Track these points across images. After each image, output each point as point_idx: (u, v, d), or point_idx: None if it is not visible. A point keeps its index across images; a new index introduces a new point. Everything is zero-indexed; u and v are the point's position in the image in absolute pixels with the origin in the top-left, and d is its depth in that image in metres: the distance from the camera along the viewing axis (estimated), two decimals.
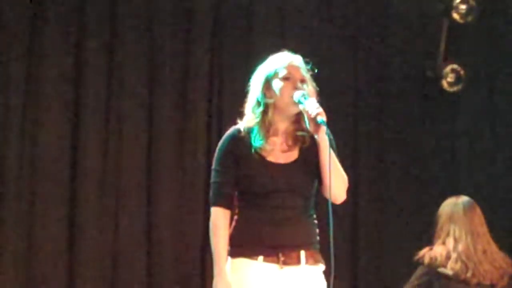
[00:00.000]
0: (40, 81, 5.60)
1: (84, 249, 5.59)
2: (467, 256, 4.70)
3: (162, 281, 5.72)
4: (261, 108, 3.60)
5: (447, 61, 6.19)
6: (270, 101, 3.59)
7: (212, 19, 5.94)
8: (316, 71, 3.69)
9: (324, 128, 3.47)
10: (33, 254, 5.49)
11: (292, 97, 3.54)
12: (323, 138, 3.50)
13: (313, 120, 3.48)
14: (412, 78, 6.28)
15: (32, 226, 5.51)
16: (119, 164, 5.72)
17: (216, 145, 3.70)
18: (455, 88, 6.21)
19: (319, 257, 3.61)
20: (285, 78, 3.59)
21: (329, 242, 3.41)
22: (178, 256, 5.75)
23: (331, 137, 3.58)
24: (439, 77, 6.18)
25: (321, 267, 3.63)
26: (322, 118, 3.45)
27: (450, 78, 6.20)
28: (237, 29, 6.00)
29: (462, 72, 6.21)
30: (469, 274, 4.69)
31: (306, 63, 3.67)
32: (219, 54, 5.95)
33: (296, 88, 3.56)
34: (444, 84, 6.19)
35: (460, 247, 4.72)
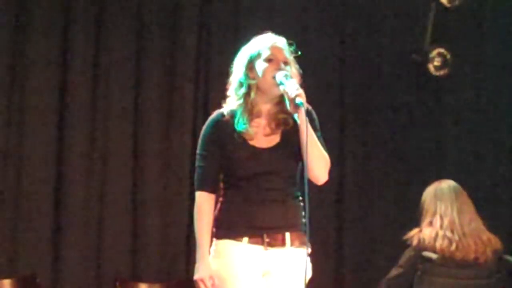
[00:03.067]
0: (27, 66, 5.59)
1: (69, 236, 5.58)
2: (451, 230, 4.73)
3: (148, 262, 5.72)
4: (243, 90, 3.60)
5: (433, 45, 6.18)
6: (253, 82, 3.59)
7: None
8: (299, 53, 3.68)
9: (302, 110, 3.45)
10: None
11: (274, 78, 3.54)
12: (302, 119, 3.48)
13: (293, 101, 3.46)
14: (398, 61, 6.27)
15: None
16: (106, 146, 5.71)
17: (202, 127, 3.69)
18: (441, 72, 6.20)
19: (304, 238, 3.59)
20: (268, 60, 3.58)
21: (309, 222, 3.46)
22: (164, 237, 5.75)
23: (315, 116, 3.58)
24: (426, 61, 6.17)
25: (307, 249, 3.58)
26: (301, 99, 3.44)
27: (437, 62, 6.19)
28: (224, 10, 5.97)
29: (448, 56, 6.20)
30: (453, 248, 4.70)
31: (290, 45, 3.66)
32: (206, 36, 5.93)
33: (278, 69, 3.55)
34: (431, 68, 6.19)
35: (446, 221, 4.75)
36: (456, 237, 4.71)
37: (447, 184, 4.90)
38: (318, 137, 3.57)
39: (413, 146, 6.29)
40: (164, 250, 5.75)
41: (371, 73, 6.27)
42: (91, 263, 5.63)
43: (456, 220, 4.75)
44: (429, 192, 4.91)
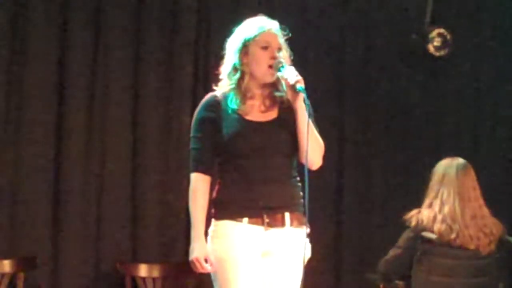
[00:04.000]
0: (25, 58, 5.55)
1: (69, 218, 5.57)
2: (452, 218, 4.71)
3: (148, 242, 5.72)
4: (237, 75, 3.62)
5: (433, 25, 6.16)
6: (247, 68, 3.61)
7: None
8: (290, 35, 3.69)
9: (302, 95, 3.49)
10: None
11: (269, 66, 3.57)
12: (301, 105, 3.53)
13: (292, 87, 3.50)
14: (398, 42, 6.25)
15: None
16: (104, 129, 5.70)
17: None
18: (441, 52, 6.19)
19: (303, 219, 3.61)
20: (263, 47, 3.60)
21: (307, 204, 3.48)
22: (163, 218, 5.75)
23: (308, 102, 3.57)
24: (426, 41, 6.15)
25: (306, 229, 3.60)
26: (301, 85, 3.48)
27: (437, 42, 6.17)
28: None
29: (448, 36, 6.18)
30: (453, 236, 4.70)
31: (282, 29, 3.67)
32: (205, 16, 5.90)
33: (273, 57, 3.57)
34: (431, 48, 6.17)
35: (446, 209, 4.73)
36: (457, 227, 4.70)
37: (456, 167, 4.82)
38: (312, 121, 3.58)
39: (413, 127, 6.29)
40: (163, 231, 5.75)
41: (370, 55, 6.25)
42: (91, 244, 5.62)
43: (458, 211, 4.71)
44: (438, 172, 4.85)
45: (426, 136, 6.29)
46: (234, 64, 3.63)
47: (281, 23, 3.70)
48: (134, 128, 5.76)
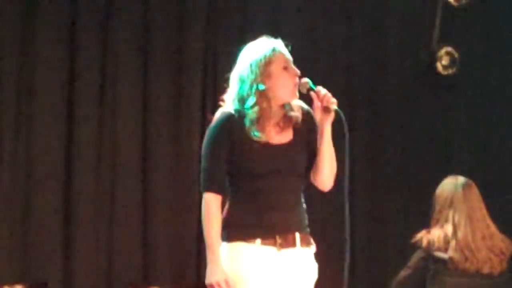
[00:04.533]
0: (34, 64, 5.58)
1: (80, 242, 5.58)
2: (465, 244, 4.68)
3: (159, 265, 5.71)
4: (258, 98, 3.56)
5: (441, 43, 6.16)
6: (269, 91, 3.57)
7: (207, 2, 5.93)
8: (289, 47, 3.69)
9: (332, 117, 3.53)
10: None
11: (295, 85, 3.57)
12: (329, 128, 3.55)
13: (326, 108, 3.52)
14: (406, 61, 6.25)
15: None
16: (114, 151, 5.71)
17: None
18: (449, 71, 6.19)
19: (310, 239, 3.64)
20: (284, 68, 3.58)
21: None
22: (174, 240, 5.75)
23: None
24: (434, 60, 6.16)
25: (313, 249, 3.65)
26: (335, 106, 3.52)
27: (445, 61, 6.18)
28: (231, 11, 5.98)
29: (456, 55, 6.19)
30: (467, 264, 4.68)
31: (286, 46, 3.67)
32: (213, 37, 5.92)
33: (297, 76, 3.58)
34: (439, 67, 6.18)
35: (460, 234, 4.70)
36: (470, 253, 4.68)
37: (461, 188, 4.81)
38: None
39: (422, 147, 6.28)
40: (174, 253, 5.75)
41: (379, 73, 6.26)
42: (102, 268, 5.62)
43: (470, 236, 4.69)
44: (444, 194, 4.83)
45: (436, 155, 6.28)
46: (255, 87, 3.56)
47: (287, 41, 3.69)
48: (144, 150, 5.76)
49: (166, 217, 5.75)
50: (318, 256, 3.65)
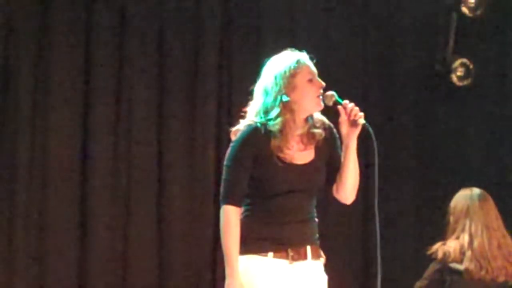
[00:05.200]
0: (50, 71, 5.63)
1: (94, 251, 5.61)
2: (481, 253, 4.68)
3: (174, 275, 5.72)
4: (282, 110, 3.55)
5: (456, 55, 6.16)
6: (295, 104, 3.56)
7: (221, 14, 5.93)
8: (314, 60, 3.69)
9: (359, 129, 3.54)
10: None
11: (319, 97, 3.57)
12: (355, 142, 3.56)
13: (353, 121, 3.53)
14: (421, 72, 6.26)
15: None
16: (129, 160, 5.74)
17: (225, 140, 3.68)
18: (464, 82, 6.19)
19: (320, 252, 3.65)
20: (309, 80, 3.58)
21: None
22: (189, 250, 5.75)
23: (337, 134, 3.61)
24: (449, 71, 6.16)
25: (322, 261, 3.67)
26: (363, 120, 3.54)
27: (460, 72, 6.17)
28: (246, 23, 5.99)
29: (471, 66, 6.19)
30: (483, 273, 4.67)
31: (311, 59, 3.67)
32: (228, 49, 5.94)
33: (322, 88, 3.58)
34: (454, 78, 6.17)
35: (476, 243, 4.69)
36: (486, 262, 4.67)
37: (477, 198, 4.81)
38: (341, 155, 3.62)
39: (437, 158, 6.27)
40: (189, 263, 5.75)
41: (394, 84, 6.26)
42: (118, 281, 5.63)
43: (486, 245, 4.69)
44: (460, 205, 4.83)
45: (450, 166, 6.27)
46: (280, 99, 3.55)
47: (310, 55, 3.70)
48: (160, 158, 5.78)
49: (181, 230, 5.76)
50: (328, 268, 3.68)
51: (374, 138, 3.58)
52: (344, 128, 3.57)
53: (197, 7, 5.90)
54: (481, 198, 4.81)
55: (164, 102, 5.82)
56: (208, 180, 5.73)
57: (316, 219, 3.66)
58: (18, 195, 5.50)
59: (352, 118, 3.54)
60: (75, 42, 5.66)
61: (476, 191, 4.87)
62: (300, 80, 3.58)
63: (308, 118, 3.62)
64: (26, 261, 5.47)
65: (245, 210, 3.60)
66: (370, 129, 3.56)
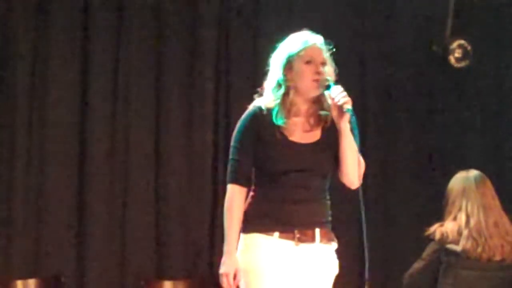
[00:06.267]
0: (47, 63, 5.62)
1: (93, 236, 5.61)
2: (478, 231, 4.70)
3: (172, 259, 5.73)
4: (282, 90, 3.59)
5: (454, 36, 6.15)
6: (291, 83, 3.58)
7: (219, 13, 5.92)
8: (334, 49, 3.69)
9: (348, 116, 3.50)
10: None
11: (314, 81, 3.55)
12: (346, 126, 3.53)
13: (340, 108, 3.49)
14: (419, 54, 6.24)
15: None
16: (127, 144, 5.74)
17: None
18: (462, 64, 6.17)
19: (332, 235, 3.63)
20: (307, 62, 3.58)
21: (361, 231, 3.54)
22: (187, 234, 5.76)
23: (354, 119, 3.58)
24: (446, 52, 6.14)
25: (334, 245, 3.65)
26: (349, 106, 3.48)
27: (457, 53, 6.16)
28: (244, 22, 5.96)
29: (469, 48, 6.17)
30: (479, 250, 4.68)
31: (327, 43, 3.67)
32: (226, 36, 5.92)
33: (317, 72, 3.56)
34: (451, 59, 6.16)
35: (472, 222, 4.72)
36: (483, 239, 4.69)
37: (473, 179, 4.84)
38: (354, 141, 3.58)
39: (435, 139, 6.27)
40: (187, 247, 5.76)
41: (391, 66, 6.25)
42: (115, 261, 5.64)
43: (483, 223, 4.71)
44: (456, 184, 4.86)
45: (449, 148, 6.26)
46: (279, 80, 3.60)
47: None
48: (157, 143, 5.78)
49: (179, 211, 5.77)
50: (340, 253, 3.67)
51: (356, 128, 3.54)
52: (334, 113, 3.55)
53: (194, 6, 5.89)
54: (477, 179, 4.83)
55: (163, 86, 5.82)
56: (206, 164, 5.74)
57: (328, 202, 3.65)
58: (15, 182, 5.51)
59: (337, 104, 3.50)
60: (73, 41, 5.66)
61: (472, 172, 4.89)
62: (298, 61, 3.58)
63: (318, 99, 3.60)
64: (23, 248, 5.49)
65: (253, 190, 3.62)
66: (354, 117, 3.51)
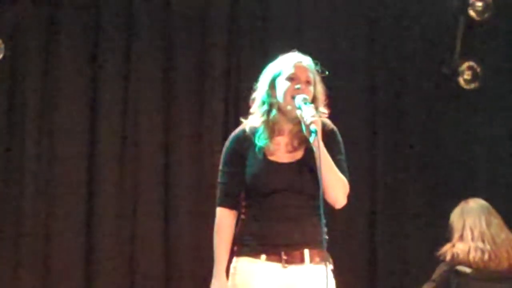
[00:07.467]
0: (57, 80, 5.67)
1: (101, 260, 5.63)
2: (482, 240, 4.76)
3: (179, 281, 5.74)
4: (265, 108, 3.62)
5: (463, 58, 6.17)
6: (274, 100, 3.61)
7: (228, 16, 5.95)
8: (327, 72, 3.68)
9: (314, 137, 3.44)
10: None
11: (291, 97, 3.55)
12: (315, 145, 3.47)
13: (307, 127, 3.46)
14: (429, 75, 6.26)
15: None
16: (136, 159, 5.77)
17: None
18: (472, 86, 6.19)
19: (325, 256, 3.54)
20: (290, 79, 3.58)
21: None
22: (195, 256, 5.75)
23: (339, 139, 3.60)
24: (456, 74, 6.16)
25: (328, 266, 3.55)
26: (315, 127, 3.43)
27: (467, 75, 6.18)
28: (253, 25, 6.01)
29: (478, 70, 6.19)
30: (486, 258, 4.71)
31: (315, 64, 3.66)
32: (235, 52, 5.96)
33: (296, 89, 3.55)
34: (461, 81, 6.18)
35: (476, 232, 4.78)
36: (488, 247, 4.73)
37: (473, 202, 4.93)
38: (339, 160, 3.57)
39: (445, 161, 6.26)
40: (196, 265, 5.75)
41: (401, 87, 6.26)
42: (124, 280, 5.67)
43: (486, 231, 4.76)
44: (455, 212, 4.96)
45: (458, 169, 6.26)
46: (263, 98, 3.63)
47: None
48: (166, 157, 5.80)
49: (188, 228, 5.77)
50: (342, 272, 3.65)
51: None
52: (306, 132, 3.49)
53: (204, 8, 5.92)
54: (473, 200, 4.92)
55: (172, 104, 5.85)
56: (214, 177, 5.73)
57: (322, 221, 3.59)
58: (25, 201, 5.55)
59: (306, 124, 3.47)
60: (83, 56, 5.71)
61: (473, 199, 4.95)
62: (281, 78, 3.60)
63: (295, 118, 3.58)
64: (32, 266, 5.51)
65: (243, 213, 3.64)
66: (317, 139, 3.43)
